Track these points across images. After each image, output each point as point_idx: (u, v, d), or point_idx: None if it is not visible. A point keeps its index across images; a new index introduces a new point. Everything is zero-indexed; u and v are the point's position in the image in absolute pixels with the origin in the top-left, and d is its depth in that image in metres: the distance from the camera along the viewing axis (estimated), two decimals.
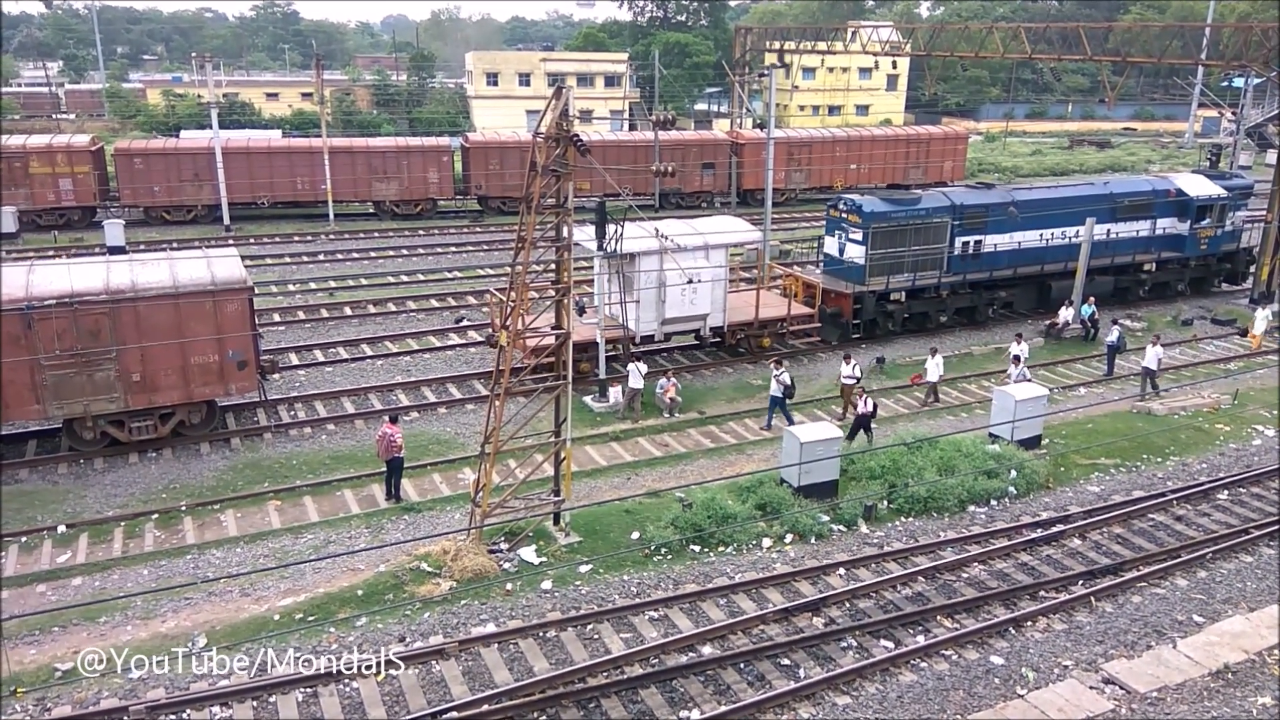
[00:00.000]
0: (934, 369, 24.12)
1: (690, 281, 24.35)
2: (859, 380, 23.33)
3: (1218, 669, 13.81)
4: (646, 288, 24.20)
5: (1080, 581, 16.46)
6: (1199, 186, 33.88)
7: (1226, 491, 20.02)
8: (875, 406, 21.63)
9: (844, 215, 28.91)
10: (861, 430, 21.58)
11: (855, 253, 28.55)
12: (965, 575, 16.66)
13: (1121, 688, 13.44)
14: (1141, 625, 15.25)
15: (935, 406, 24.50)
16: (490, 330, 25.52)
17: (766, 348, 27.52)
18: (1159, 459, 21.70)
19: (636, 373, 22.96)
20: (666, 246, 24.39)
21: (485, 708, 12.77)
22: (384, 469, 19.01)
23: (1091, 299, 30.48)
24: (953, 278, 29.76)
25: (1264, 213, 34.48)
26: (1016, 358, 24.41)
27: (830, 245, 29.89)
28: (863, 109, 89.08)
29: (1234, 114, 38.57)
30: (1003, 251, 30.29)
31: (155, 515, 18.32)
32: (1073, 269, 31.31)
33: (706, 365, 26.92)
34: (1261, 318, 28.33)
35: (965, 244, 29.61)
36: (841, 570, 16.61)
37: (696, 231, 25.38)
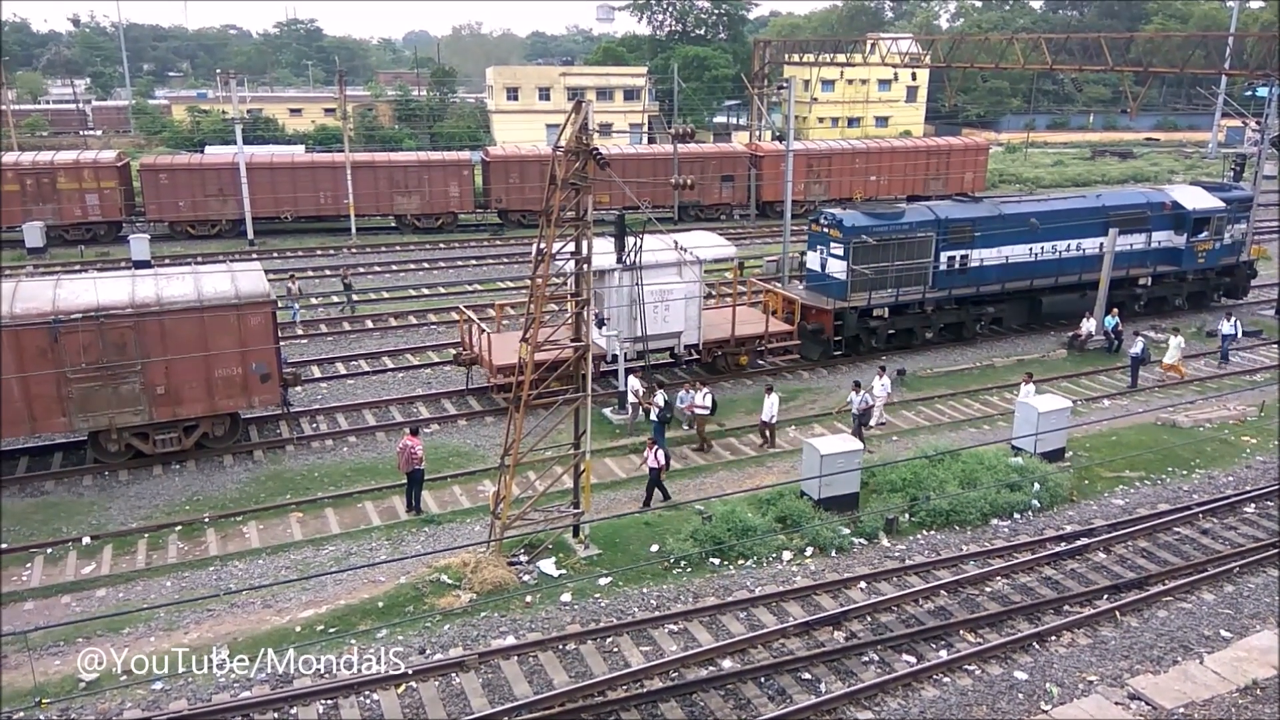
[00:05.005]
0: (769, 407, 22.12)
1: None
2: (712, 412, 22.15)
3: (1246, 685, 13.60)
4: (618, 305, 23.45)
5: (1105, 596, 16.29)
6: (1196, 199, 33.20)
7: (1254, 505, 19.76)
8: (668, 458, 19.59)
9: (825, 229, 28.48)
10: (655, 489, 19.15)
11: (836, 268, 28.08)
12: (988, 589, 16.51)
13: (1148, 704, 13.26)
14: (1167, 640, 15.06)
15: (769, 451, 22.28)
16: (460, 350, 25.30)
17: (744, 365, 27.18)
18: (1184, 472, 21.46)
19: (631, 390, 22.94)
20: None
21: None
22: (404, 481, 19.08)
23: (1115, 310, 30.20)
24: (938, 293, 29.25)
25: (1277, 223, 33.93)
26: (857, 384, 22.66)
27: (812, 260, 29.50)
28: (882, 120, 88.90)
29: (1258, 123, 38.19)
30: (990, 266, 29.77)
31: (179, 527, 18.47)
32: (1064, 284, 31.00)
33: (726, 378, 26.85)
34: (1175, 346, 27.62)
35: (950, 259, 29.14)
36: (863, 584, 16.51)
37: (669, 247, 24.66)
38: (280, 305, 25.51)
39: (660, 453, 19.00)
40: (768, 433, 22.55)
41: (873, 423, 23.46)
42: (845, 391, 23.21)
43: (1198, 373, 28.62)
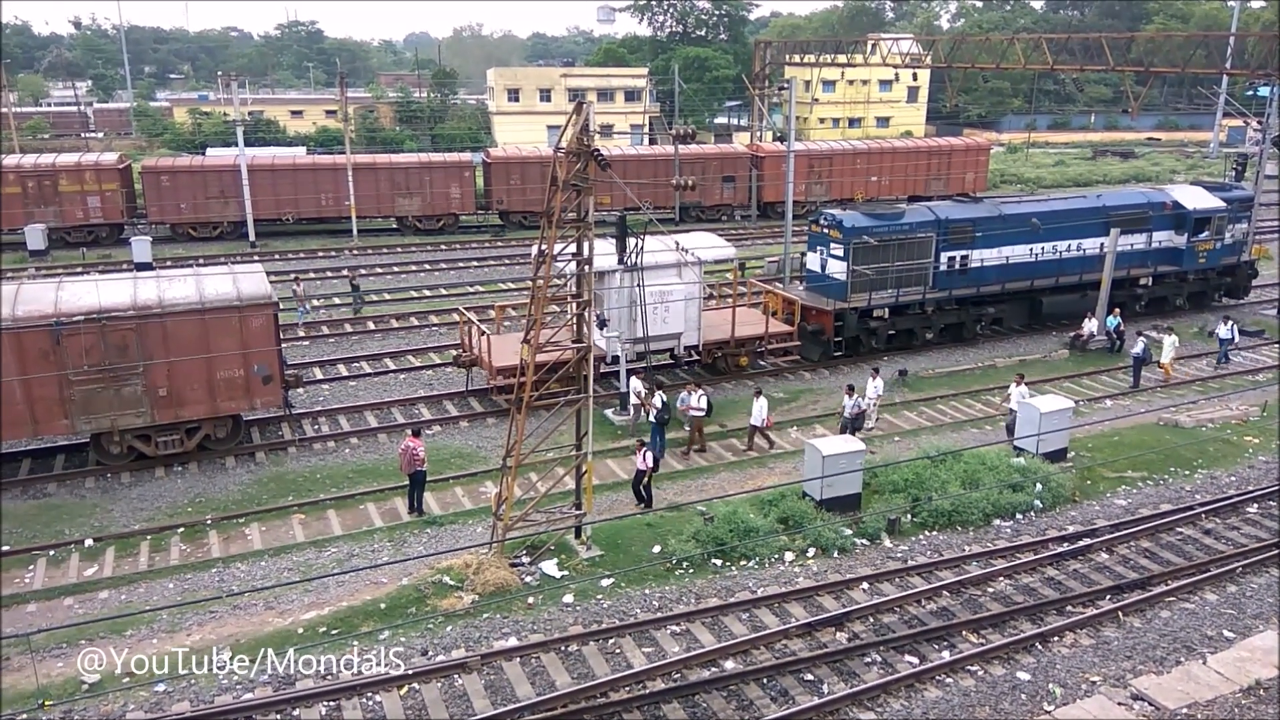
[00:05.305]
0: (758, 411, 22.09)
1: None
2: (708, 413, 22.00)
3: (1249, 685, 13.58)
4: (618, 306, 23.43)
5: (1108, 596, 16.27)
6: (1196, 199, 33.14)
7: (1256, 504, 19.74)
8: (657, 461, 19.33)
9: (825, 230, 28.44)
10: (641, 491, 18.86)
11: (836, 268, 28.03)
12: (990, 590, 16.50)
13: (1151, 704, 13.24)
14: (1170, 641, 15.05)
15: (766, 453, 22.26)
16: (459, 351, 25.27)
17: (745, 366, 27.11)
18: (1187, 472, 21.44)
19: (633, 391, 22.92)
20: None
21: None
22: (406, 482, 19.08)
23: (1117, 310, 30.15)
24: (938, 294, 29.21)
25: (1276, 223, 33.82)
26: (850, 387, 22.67)
27: (812, 261, 29.46)
28: (883, 121, 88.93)
29: (1260, 123, 38.17)
30: (990, 267, 29.73)
31: (181, 529, 18.47)
32: (1064, 284, 30.96)
33: (727, 379, 26.84)
34: (1170, 345, 27.56)
35: (951, 259, 29.11)
36: (865, 585, 16.49)
37: (669, 248, 24.61)
38: (285, 308, 25.53)
39: (648, 454, 18.87)
40: (757, 437, 22.43)
41: (869, 425, 23.39)
42: (861, 388, 23.14)
43: (1200, 373, 28.61)
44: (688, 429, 22.71)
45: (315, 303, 34.43)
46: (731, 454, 22.29)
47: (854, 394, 22.33)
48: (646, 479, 18.87)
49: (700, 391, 22.15)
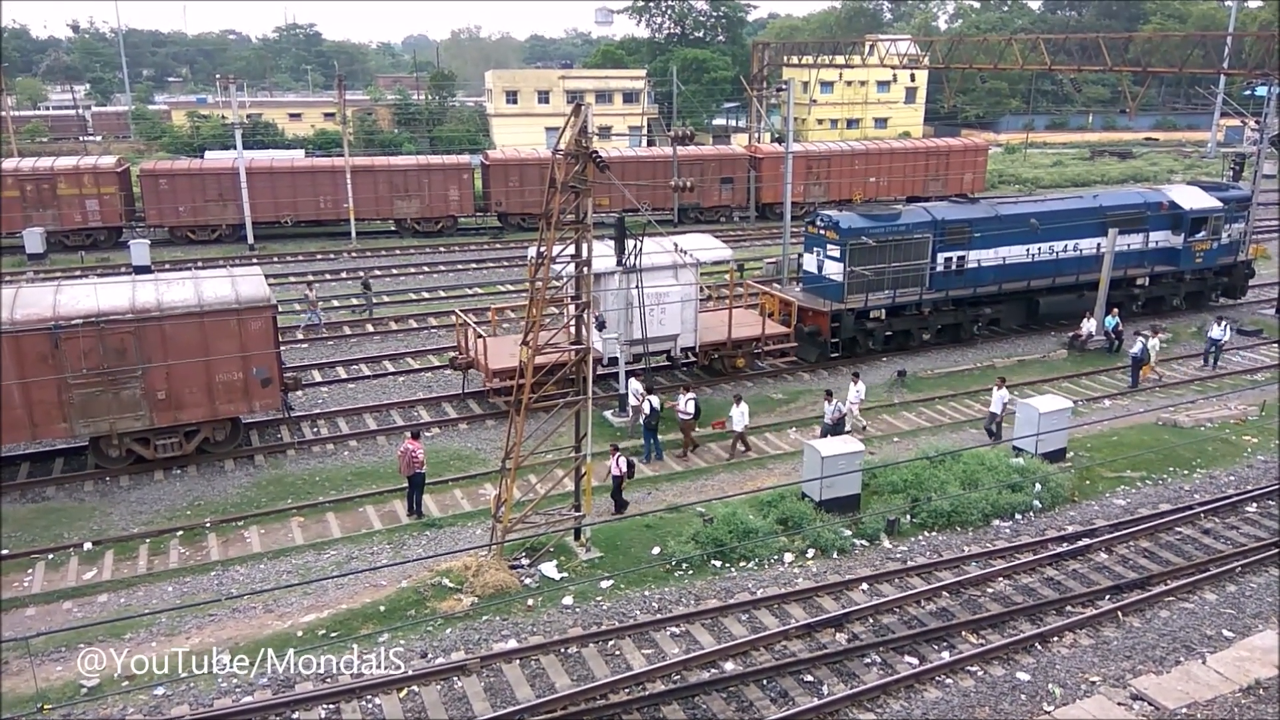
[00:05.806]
0: (739, 417, 21.73)
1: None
2: (695, 417, 21.98)
3: (1249, 685, 13.59)
4: (615, 308, 23.48)
5: (1107, 596, 16.28)
6: (1193, 199, 33.14)
7: (1255, 504, 19.75)
8: (631, 465, 19.12)
9: (822, 231, 28.47)
10: (620, 497, 18.92)
11: (833, 270, 28.05)
12: (990, 590, 16.50)
13: (1150, 704, 13.25)
14: (1170, 640, 15.05)
15: (746, 458, 22.02)
16: (455, 354, 25.24)
17: (741, 368, 27.09)
18: (1185, 471, 21.45)
19: (633, 392, 22.93)
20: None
21: None
22: (406, 485, 19.08)
23: (1115, 310, 30.16)
24: (935, 294, 29.22)
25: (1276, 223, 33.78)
26: (829, 393, 22.62)
27: (809, 262, 29.47)
28: (881, 122, 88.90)
29: (1257, 123, 38.22)
30: (987, 267, 29.73)
31: (180, 532, 18.47)
32: (1061, 284, 30.97)
33: (725, 380, 26.84)
34: (1154, 346, 27.55)
35: (948, 260, 29.10)
36: (864, 585, 16.50)
37: (665, 250, 24.59)
38: (285, 310, 25.49)
39: (621, 460, 18.75)
40: (740, 442, 22.26)
41: (848, 428, 23.28)
42: (841, 393, 23.11)
43: (1198, 373, 28.62)
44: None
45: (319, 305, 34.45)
46: (730, 455, 22.27)
47: (833, 399, 22.30)
48: (621, 484, 18.83)
49: (690, 395, 22.15)
